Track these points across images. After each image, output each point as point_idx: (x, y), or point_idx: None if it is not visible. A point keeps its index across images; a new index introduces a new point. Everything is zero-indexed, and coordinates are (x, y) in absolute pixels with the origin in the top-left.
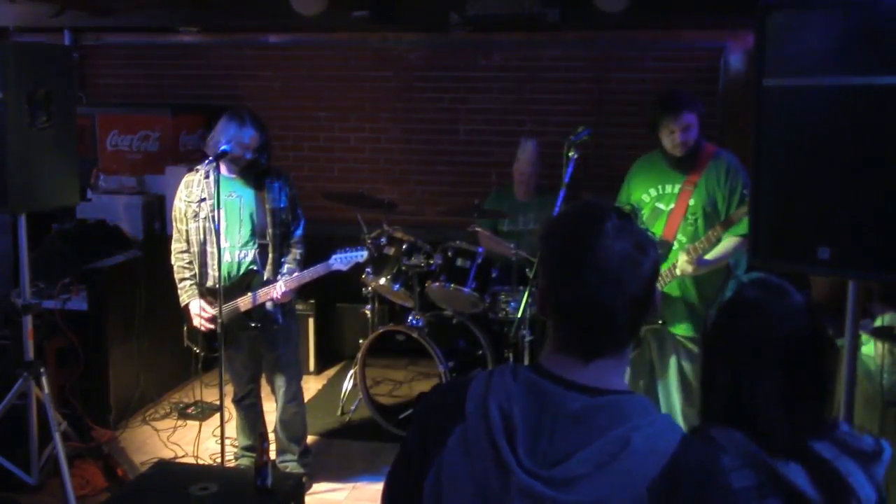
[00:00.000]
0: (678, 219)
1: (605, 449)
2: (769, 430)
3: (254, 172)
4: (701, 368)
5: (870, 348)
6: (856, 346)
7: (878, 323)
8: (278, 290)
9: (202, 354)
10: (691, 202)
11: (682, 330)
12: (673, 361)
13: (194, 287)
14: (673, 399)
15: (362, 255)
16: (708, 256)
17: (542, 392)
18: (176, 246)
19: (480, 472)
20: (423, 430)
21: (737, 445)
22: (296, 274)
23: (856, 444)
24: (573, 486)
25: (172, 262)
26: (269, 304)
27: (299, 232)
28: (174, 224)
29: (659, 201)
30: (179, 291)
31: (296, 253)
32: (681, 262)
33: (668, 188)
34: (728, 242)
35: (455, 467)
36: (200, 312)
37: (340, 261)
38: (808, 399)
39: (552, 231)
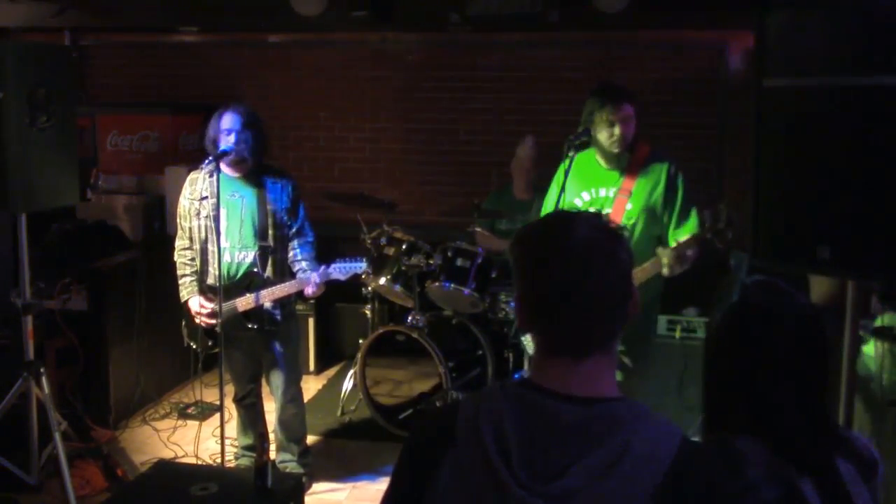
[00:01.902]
0: (617, 221)
1: (604, 458)
2: (794, 443)
3: (256, 172)
4: (707, 376)
5: (870, 348)
6: (856, 346)
7: (878, 323)
8: (312, 283)
9: (202, 352)
10: (629, 207)
11: None
12: None
13: (195, 284)
14: None
15: (360, 266)
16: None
17: (534, 407)
18: (179, 243)
19: (477, 496)
20: (413, 462)
21: (762, 458)
22: (326, 270)
23: (867, 456)
24: (573, 499)
25: (175, 258)
26: (268, 305)
27: (310, 235)
28: (178, 221)
29: (593, 206)
30: (180, 288)
31: (311, 252)
32: (666, 258)
33: (603, 192)
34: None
35: (449, 496)
36: (199, 309)
37: (339, 270)
38: (821, 402)
39: (525, 235)
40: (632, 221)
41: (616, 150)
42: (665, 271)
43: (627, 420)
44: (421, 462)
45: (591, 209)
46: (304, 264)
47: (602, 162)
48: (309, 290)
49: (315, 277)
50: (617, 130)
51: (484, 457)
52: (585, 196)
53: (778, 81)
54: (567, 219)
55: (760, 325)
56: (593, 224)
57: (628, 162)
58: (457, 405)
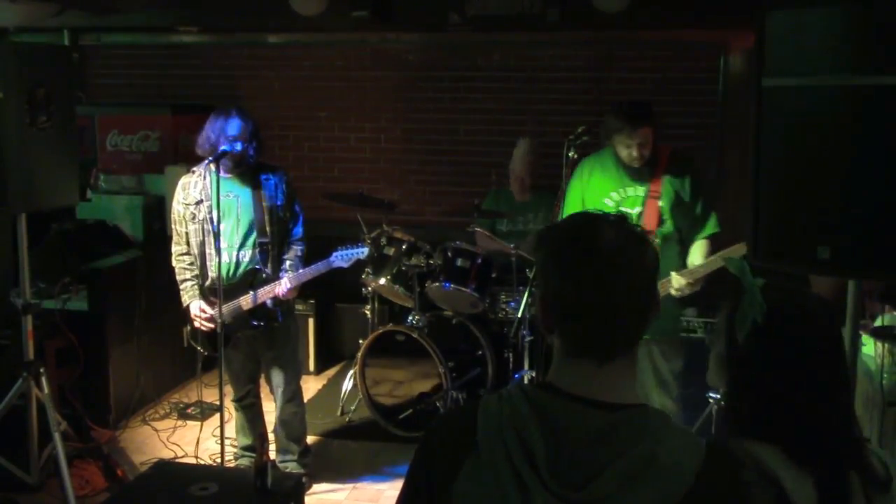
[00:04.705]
0: (652, 222)
1: (631, 466)
2: (807, 450)
3: (250, 170)
4: (729, 381)
5: (870, 348)
6: (856, 346)
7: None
8: (283, 286)
9: (206, 354)
10: (661, 204)
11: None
12: (647, 366)
13: (195, 288)
14: (651, 398)
15: (363, 251)
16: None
17: (557, 412)
18: (176, 248)
19: (500, 500)
20: (430, 465)
21: (758, 462)
22: (299, 270)
23: (881, 473)
24: None
25: (173, 264)
26: (269, 303)
27: (299, 230)
28: (173, 227)
29: (623, 205)
30: (182, 293)
31: (296, 250)
32: (676, 282)
33: (631, 191)
34: (701, 246)
35: (469, 499)
36: (199, 313)
37: (341, 258)
38: (838, 406)
39: (550, 235)
40: (665, 218)
41: (636, 166)
42: (674, 293)
43: (652, 428)
44: (441, 464)
45: (623, 209)
46: (286, 264)
47: (624, 168)
48: (280, 292)
49: (286, 280)
50: (635, 152)
51: (508, 462)
52: (614, 196)
53: (778, 81)
54: (594, 221)
55: (792, 329)
56: (620, 227)
57: (654, 163)
58: (475, 407)
